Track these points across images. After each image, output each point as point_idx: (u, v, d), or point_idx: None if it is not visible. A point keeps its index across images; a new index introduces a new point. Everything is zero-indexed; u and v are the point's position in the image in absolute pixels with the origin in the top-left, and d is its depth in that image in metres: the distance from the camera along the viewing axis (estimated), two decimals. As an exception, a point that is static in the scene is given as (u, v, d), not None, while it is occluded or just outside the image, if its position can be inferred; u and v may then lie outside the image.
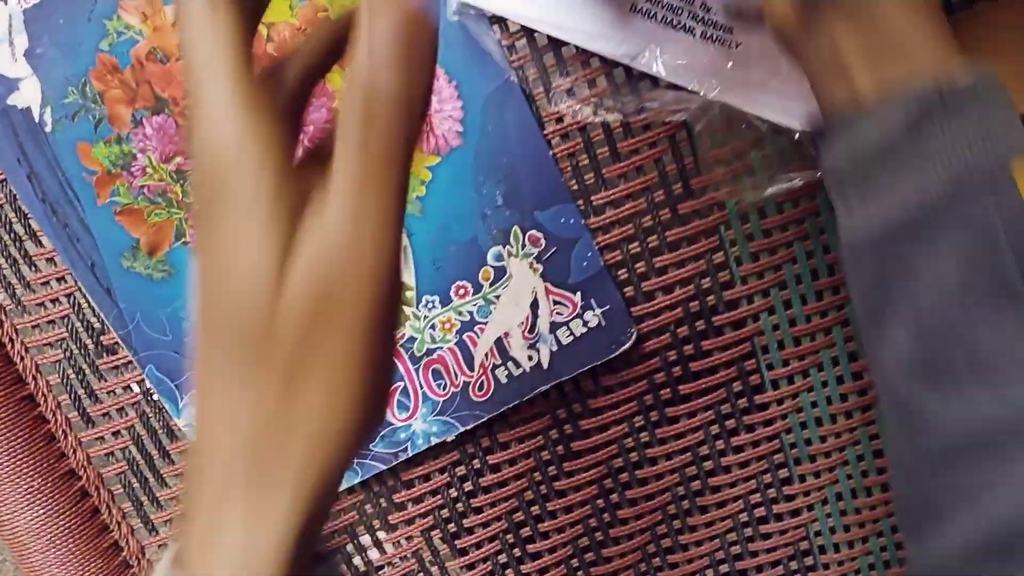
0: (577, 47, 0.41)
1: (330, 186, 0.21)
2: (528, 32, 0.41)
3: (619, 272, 0.45)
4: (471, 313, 0.44)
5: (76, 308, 0.44)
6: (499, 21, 0.41)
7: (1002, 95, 0.27)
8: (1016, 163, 0.26)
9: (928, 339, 0.28)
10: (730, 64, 0.40)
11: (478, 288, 0.44)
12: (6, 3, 0.39)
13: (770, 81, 0.40)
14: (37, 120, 0.41)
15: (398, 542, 0.50)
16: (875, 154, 0.28)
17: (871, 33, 0.28)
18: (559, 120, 0.42)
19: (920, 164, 0.27)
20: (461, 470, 0.48)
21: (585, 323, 0.45)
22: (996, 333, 0.26)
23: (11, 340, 0.45)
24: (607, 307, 0.44)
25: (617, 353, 0.45)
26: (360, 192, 0.21)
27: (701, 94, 0.40)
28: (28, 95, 0.40)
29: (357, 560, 0.50)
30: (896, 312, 0.29)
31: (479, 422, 0.46)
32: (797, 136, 0.41)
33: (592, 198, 0.44)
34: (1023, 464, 0.25)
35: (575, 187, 0.44)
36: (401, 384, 0.45)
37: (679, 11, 0.40)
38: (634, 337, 0.45)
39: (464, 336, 0.45)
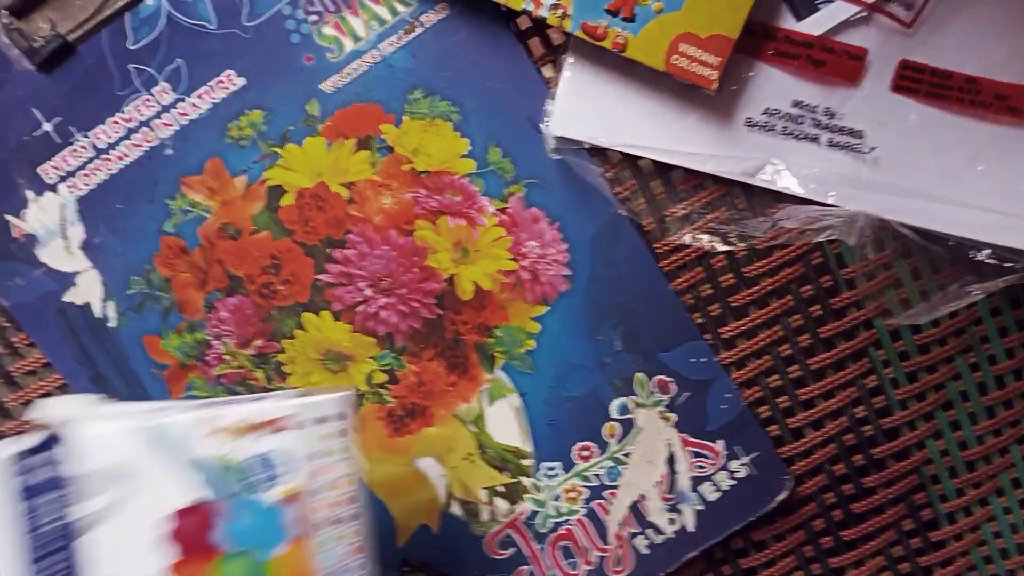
0: (687, 169, 0.37)
1: None
2: (631, 160, 0.37)
3: (760, 409, 0.39)
4: (599, 477, 0.39)
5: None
6: (599, 153, 0.37)
7: None
8: None
9: None
10: (864, 172, 0.36)
11: (604, 447, 0.38)
12: (56, 192, 0.35)
13: (912, 185, 0.36)
14: (99, 316, 0.36)
15: None
16: None
17: None
18: (675, 250, 0.38)
19: None
20: (598, 657, 0.41)
21: (732, 474, 0.39)
22: None
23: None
24: (755, 454, 0.39)
25: (773, 505, 0.39)
26: None
27: (839, 206, 0.36)
28: (86, 290, 0.36)
29: None
30: None
31: (619, 603, 0.39)
32: (951, 242, 0.36)
33: (720, 331, 0.39)
34: None
35: (701, 321, 0.38)
36: (526, 568, 0.39)
37: (800, 120, 0.36)
38: (791, 484, 0.39)
39: (593, 504, 0.39)
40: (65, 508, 0.25)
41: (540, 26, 0.36)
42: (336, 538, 0.26)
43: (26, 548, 0.25)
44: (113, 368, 0.37)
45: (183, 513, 0.26)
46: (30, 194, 0.35)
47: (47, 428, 0.25)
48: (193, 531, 0.26)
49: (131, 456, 0.26)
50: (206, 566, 0.26)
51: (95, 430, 0.26)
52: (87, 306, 0.36)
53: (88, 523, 0.26)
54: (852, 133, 0.36)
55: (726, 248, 0.36)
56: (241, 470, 0.26)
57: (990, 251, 0.35)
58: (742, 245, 0.36)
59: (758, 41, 0.35)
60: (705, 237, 0.37)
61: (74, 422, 0.26)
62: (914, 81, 0.35)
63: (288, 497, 0.26)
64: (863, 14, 0.35)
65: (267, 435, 0.26)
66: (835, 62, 0.35)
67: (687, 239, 0.37)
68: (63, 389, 0.38)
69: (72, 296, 0.36)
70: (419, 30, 0.35)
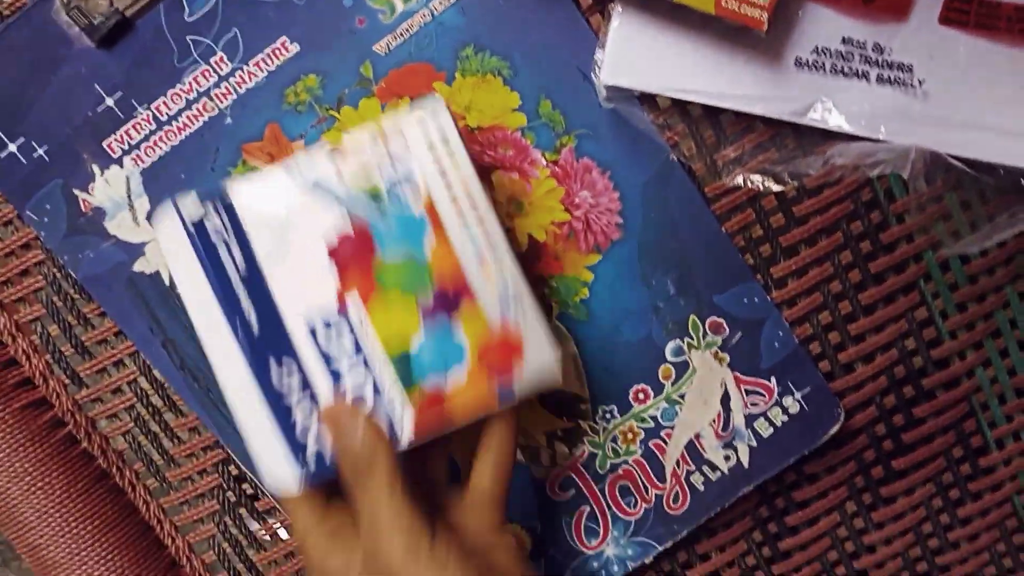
0: (736, 112, 0.37)
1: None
2: (680, 106, 0.37)
3: (811, 346, 0.40)
4: (655, 418, 0.40)
5: (227, 478, 0.40)
6: (648, 100, 0.37)
7: None
8: None
9: None
10: (915, 106, 0.36)
11: (659, 389, 0.40)
12: (122, 165, 0.36)
13: (962, 117, 0.36)
14: (167, 284, 0.37)
15: None
16: None
17: None
18: (725, 194, 0.38)
19: None
20: (659, 590, 0.43)
21: (785, 410, 0.40)
22: None
23: (159, 522, 0.41)
24: (807, 389, 0.40)
25: (825, 438, 0.40)
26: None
27: (891, 141, 0.36)
28: (155, 259, 0.37)
29: None
30: None
31: (679, 538, 0.41)
32: (1001, 171, 0.36)
33: (772, 271, 0.39)
34: None
35: (752, 262, 0.39)
36: (586, 508, 0.41)
37: (848, 56, 0.36)
38: (842, 417, 0.40)
39: (650, 444, 0.40)
40: (244, 254, 0.30)
41: (586, -24, 0.36)
42: (468, 228, 0.31)
43: (218, 295, 0.30)
44: (183, 332, 0.38)
45: (344, 239, 0.31)
46: (96, 168, 0.36)
47: (216, 196, 0.30)
48: (356, 252, 0.31)
49: (288, 200, 0.30)
50: (374, 277, 0.31)
51: (253, 184, 0.31)
52: (156, 274, 0.37)
53: (265, 263, 0.30)
54: (901, 68, 0.36)
55: (778, 188, 0.37)
56: (378, 191, 0.31)
57: (1040, 179, 0.36)
58: (793, 183, 0.37)
59: (806, -21, 0.35)
60: (756, 177, 0.37)
61: (234, 184, 0.31)
62: (962, 12, 0.35)
63: (424, 203, 0.31)
64: (910, -53, 0.34)
65: (389, 156, 0.31)
66: (883, -3, 0.35)
67: (738, 180, 0.38)
68: (134, 356, 0.39)
69: (141, 265, 0.37)
70: (467, -14, 0.35)
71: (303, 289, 0.31)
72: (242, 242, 0.30)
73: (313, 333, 0.31)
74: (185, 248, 0.30)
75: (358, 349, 0.31)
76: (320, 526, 0.31)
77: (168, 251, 0.30)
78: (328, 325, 0.31)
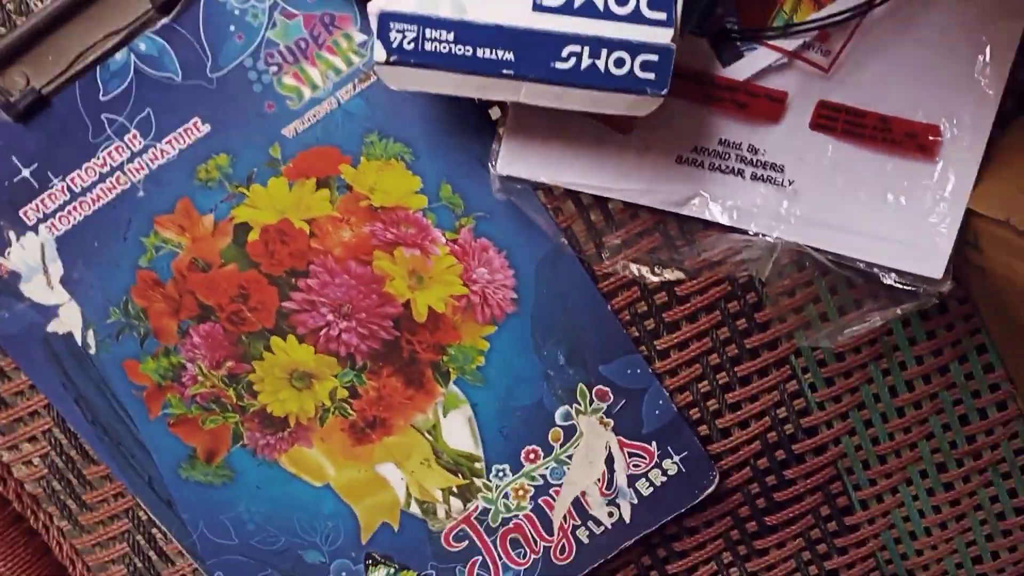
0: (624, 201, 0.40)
1: None
2: (572, 192, 0.40)
3: (691, 412, 0.43)
4: (544, 477, 0.43)
5: (137, 523, 0.43)
6: (542, 185, 0.40)
7: None
8: None
9: None
10: (785, 203, 0.39)
11: (549, 450, 0.42)
12: (37, 232, 0.38)
13: (827, 216, 0.39)
14: (80, 344, 0.39)
15: None
16: None
17: None
18: (613, 273, 0.41)
19: None
20: (548, 631, 0.46)
21: (664, 472, 0.43)
22: None
23: (71, 562, 0.43)
24: (685, 453, 0.43)
25: (701, 498, 0.43)
26: None
27: (760, 235, 0.39)
28: (68, 320, 0.39)
29: None
30: None
31: (565, 586, 0.44)
32: (862, 266, 0.39)
33: (656, 343, 0.42)
34: None
35: (637, 335, 0.42)
36: (479, 558, 0.43)
37: (725, 156, 0.39)
38: (716, 480, 0.43)
39: (540, 501, 0.43)
40: None
41: (485, 71, 0.38)
42: None
43: None
44: (95, 390, 0.40)
45: None
46: (12, 235, 0.38)
47: None
48: None
49: None
50: None
51: None
52: (69, 335, 0.39)
53: None
54: (773, 167, 0.39)
55: (654, 279, 0.40)
56: None
57: (896, 276, 0.39)
58: (670, 276, 0.40)
59: (689, 85, 0.38)
60: (634, 267, 0.40)
61: None
62: (831, 120, 0.38)
63: None
64: (784, 60, 0.37)
65: None
66: (757, 104, 0.38)
67: (620, 268, 0.41)
68: (48, 408, 0.41)
69: (55, 326, 0.39)
70: (373, 79, 0.37)
71: None
72: None
73: None
74: None
75: None
76: None
77: None
78: None
